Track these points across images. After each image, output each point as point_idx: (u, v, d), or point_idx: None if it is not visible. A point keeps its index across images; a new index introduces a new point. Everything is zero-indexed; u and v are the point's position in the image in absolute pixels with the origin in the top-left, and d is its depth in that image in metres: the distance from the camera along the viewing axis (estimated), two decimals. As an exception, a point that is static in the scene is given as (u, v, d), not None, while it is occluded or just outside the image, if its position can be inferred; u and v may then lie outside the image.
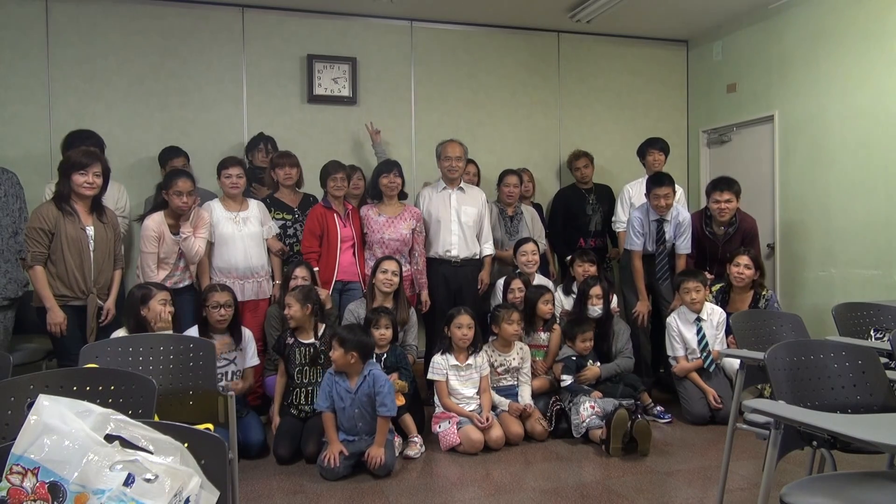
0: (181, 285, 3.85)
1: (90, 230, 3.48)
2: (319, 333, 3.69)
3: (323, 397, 3.33)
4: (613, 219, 5.07)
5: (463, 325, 3.70)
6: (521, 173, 5.03)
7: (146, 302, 3.27)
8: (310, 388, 3.61)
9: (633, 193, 4.94)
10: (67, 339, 3.40)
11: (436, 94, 5.38)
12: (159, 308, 3.24)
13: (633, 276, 4.55)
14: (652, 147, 4.97)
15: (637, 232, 4.49)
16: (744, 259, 4.12)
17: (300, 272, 3.93)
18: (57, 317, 3.37)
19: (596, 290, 4.21)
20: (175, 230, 3.80)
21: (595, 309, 4.16)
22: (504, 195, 4.73)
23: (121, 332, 3.28)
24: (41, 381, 1.81)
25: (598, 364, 4.02)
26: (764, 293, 4.14)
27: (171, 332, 3.23)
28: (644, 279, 4.52)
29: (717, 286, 4.31)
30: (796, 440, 1.86)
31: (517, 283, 4.19)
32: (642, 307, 4.51)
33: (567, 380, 3.91)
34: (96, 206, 3.53)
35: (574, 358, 3.97)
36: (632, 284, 4.61)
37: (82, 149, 3.58)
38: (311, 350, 3.64)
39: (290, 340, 3.65)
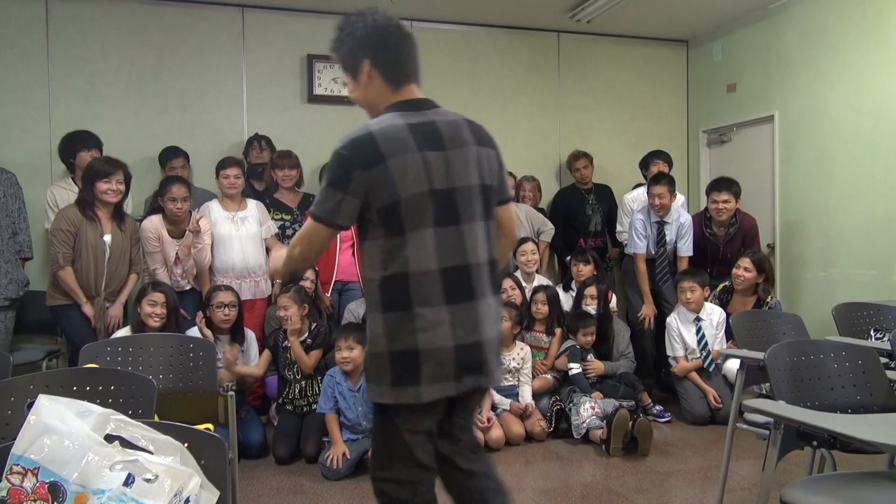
0: (186, 288, 3.88)
1: (108, 238, 3.60)
2: (311, 329, 3.68)
3: (325, 399, 3.33)
4: (619, 228, 5.04)
5: None
6: (521, 182, 5.05)
7: (139, 300, 3.27)
8: (303, 384, 3.60)
9: (634, 207, 4.90)
10: (79, 341, 3.42)
11: (436, 94, 5.22)
12: (148, 309, 3.23)
13: (636, 279, 4.55)
14: (656, 158, 4.97)
15: (640, 234, 4.49)
16: (745, 262, 4.07)
17: (310, 274, 3.92)
18: (90, 310, 3.55)
19: (591, 290, 4.23)
20: (172, 234, 3.83)
21: (589, 309, 4.17)
22: None
23: (124, 331, 3.28)
24: (41, 381, 1.82)
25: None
26: (768, 300, 4.07)
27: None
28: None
29: (722, 286, 4.30)
30: (796, 440, 1.86)
31: (508, 283, 4.18)
32: (648, 310, 4.51)
33: (574, 368, 3.91)
34: (117, 214, 3.66)
35: (578, 347, 3.99)
36: (635, 287, 4.61)
37: (105, 157, 3.76)
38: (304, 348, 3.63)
39: (286, 343, 3.64)
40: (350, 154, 1.65)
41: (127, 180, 3.63)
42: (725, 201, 4.40)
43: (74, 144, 4.05)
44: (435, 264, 1.66)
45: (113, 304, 3.67)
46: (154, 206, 3.93)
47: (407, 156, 1.67)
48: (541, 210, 5.21)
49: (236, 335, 3.56)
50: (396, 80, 1.81)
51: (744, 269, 4.06)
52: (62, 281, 3.53)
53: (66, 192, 4.01)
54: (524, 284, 4.32)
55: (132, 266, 3.74)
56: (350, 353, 3.28)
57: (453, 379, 1.67)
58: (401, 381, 1.66)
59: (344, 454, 3.17)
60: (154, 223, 3.80)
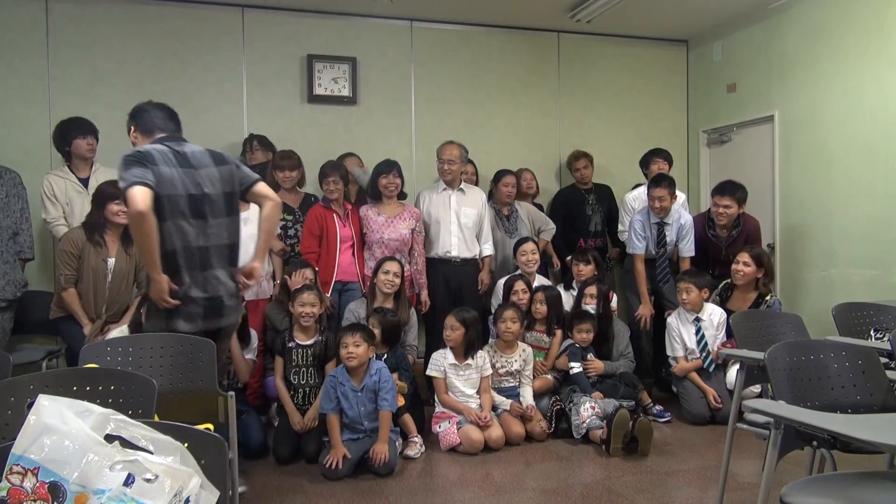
0: None
1: (111, 261, 3.64)
2: (319, 331, 3.69)
3: (326, 399, 3.33)
4: (621, 228, 5.03)
5: (447, 326, 3.71)
6: (520, 173, 5.05)
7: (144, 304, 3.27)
8: (307, 389, 3.60)
9: (635, 207, 4.91)
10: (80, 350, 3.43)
11: (436, 94, 5.37)
12: None
13: (635, 280, 4.55)
14: (657, 156, 4.96)
15: (639, 235, 4.48)
16: (743, 256, 4.07)
17: (309, 273, 3.92)
18: (89, 330, 3.61)
19: (590, 289, 4.23)
20: None
21: (589, 308, 4.17)
22: (503, 195, 4.73)
23: (121, 331, 3.27)
24: (41, 381, 1.82)
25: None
26: (767, 299, 4.06)
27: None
28: (647, 282, 4.52)
29: (724, 283, 4.29)
30: (796, 440, 1.86)
31: (521, 285, 4.18)
32: (645, 310, 4.51)
33: (575, 367, 3.92)
34: (126, 236, 3.66)
35: (578, 346, 4.00)
36: (634, 287, 4.61)
37: (112, 180, 3.74)
38: (310, 351, 3.63)
39: (291, 344, 3.64)
40: (138, 155, 2.52)
41: None
42: (727, 206, 4.39)
43: (69, 131, 4.02)
44: (190, 243, 2.62)
45: (116, 325, 3.65)
46: None
47: (169, 168, 2.57)
48: (538, 206, 5.21)
49: (242, 336, 3.57)
50: (148, 133, 2.73)
51: (743, 264, 4.05)
52: (65, 302, 3.61)
53: (63, 181, 4.01)
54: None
55: (139, 288, 3.72)
56: (357, 349, 3.30)
57: (201, 319, 2.67)
58: (170, 315, 2.63)
59: (344, 456, 3.17)
60: None
